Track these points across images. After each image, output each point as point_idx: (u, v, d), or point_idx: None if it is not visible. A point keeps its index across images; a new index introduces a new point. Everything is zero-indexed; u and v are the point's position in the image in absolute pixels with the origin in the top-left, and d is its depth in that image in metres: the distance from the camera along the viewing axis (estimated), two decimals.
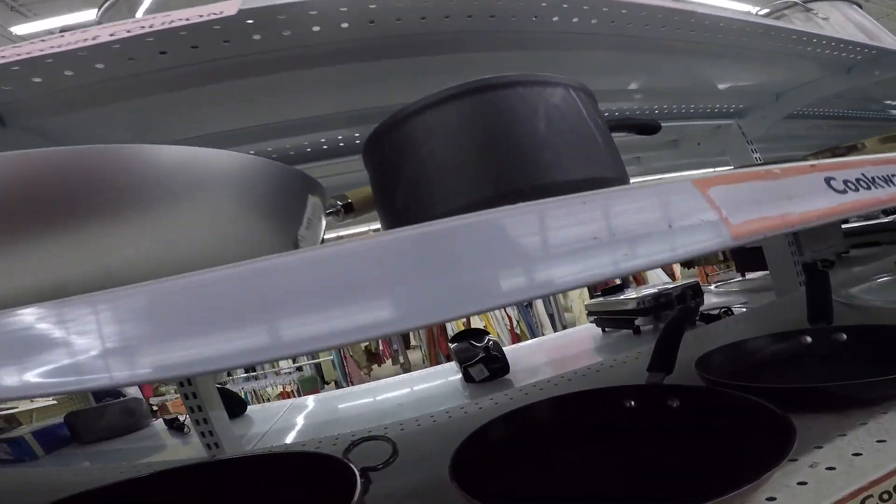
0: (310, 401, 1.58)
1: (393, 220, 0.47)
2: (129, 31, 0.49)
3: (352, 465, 0.53)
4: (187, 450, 1.22)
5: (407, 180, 0.44)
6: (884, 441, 0.50)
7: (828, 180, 0.34)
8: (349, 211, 0.62)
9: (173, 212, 0.36)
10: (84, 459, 1.30)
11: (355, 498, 0.47)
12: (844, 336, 0.78)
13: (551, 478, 0.61)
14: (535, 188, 0.38)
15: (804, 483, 0.47)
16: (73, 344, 0.24)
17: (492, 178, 0.39)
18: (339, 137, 0.91)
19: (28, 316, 0.24)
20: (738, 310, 1.40)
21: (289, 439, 1.13)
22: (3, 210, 0.30)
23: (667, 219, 0.24)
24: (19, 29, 4.16)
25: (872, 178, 0.37)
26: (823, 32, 0.92)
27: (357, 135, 0.92)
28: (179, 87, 0.65)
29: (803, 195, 0.31)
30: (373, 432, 0.93)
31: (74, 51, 0.50)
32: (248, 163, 0.40)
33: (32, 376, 0.24)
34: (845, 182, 0.35)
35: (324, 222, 0.56)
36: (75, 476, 0.99)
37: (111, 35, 0.49)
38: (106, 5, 0.71)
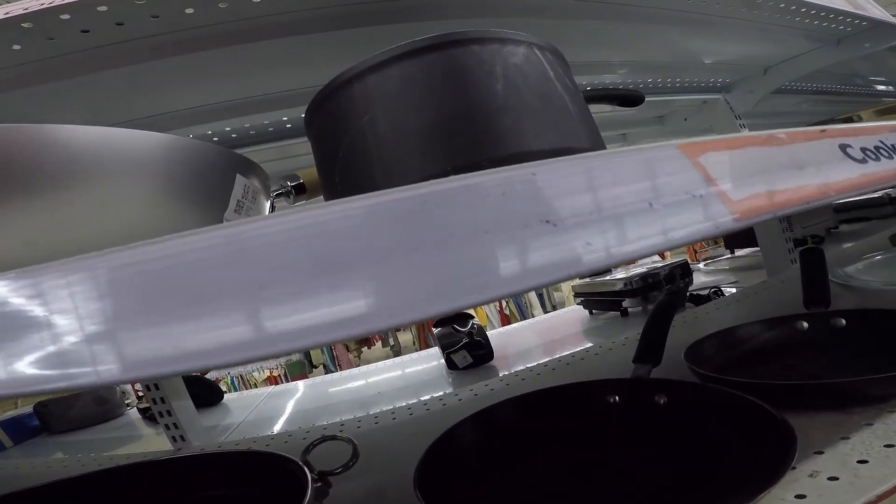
0: (289, 388, 1.53)
1: (333, 198, 0.40)
2: (42, 4, 0.43)
3: (306, 469, 0.50)
4: (158, 441, 1.16)
5: (346, 155, 0.37)
6: (892, 446, 0.44)
7: (843, 147, 0.27)
8: (301, 192, 0.56)
9: (77, 195, 0.33)
10: (53, 450, 1.24)
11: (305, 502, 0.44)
12: (843, 321, 0.72)
13: (525, 484, 0.55)
14: (492, 160, 0.31)
15: (803, 496, 0.41)
16: None
17: (441, 150, 0.32)
18: (285, 118, 0.84)
19: None
20: (728, 290, 1.35)
21: (261, 431, 1.07)
22: None
23: (646, 195, 0.18)
24: None
25: (893, 145, 0.31)
26: (816, 1, 0.84)
27: (303, 116, 0.84)
28: (103, 68, 0.59)
29: (818, 164, 0.25)
30: (344, 426, 0.88)
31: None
32: (158, 141, 0.37)
33: None
34: (864, 150, 0.28)
35: (266, 205, 0.50)
36: (32, 468, 0.93)
37: (25, 9, 0.45)
38: None
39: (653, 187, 0.18)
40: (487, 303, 0.14)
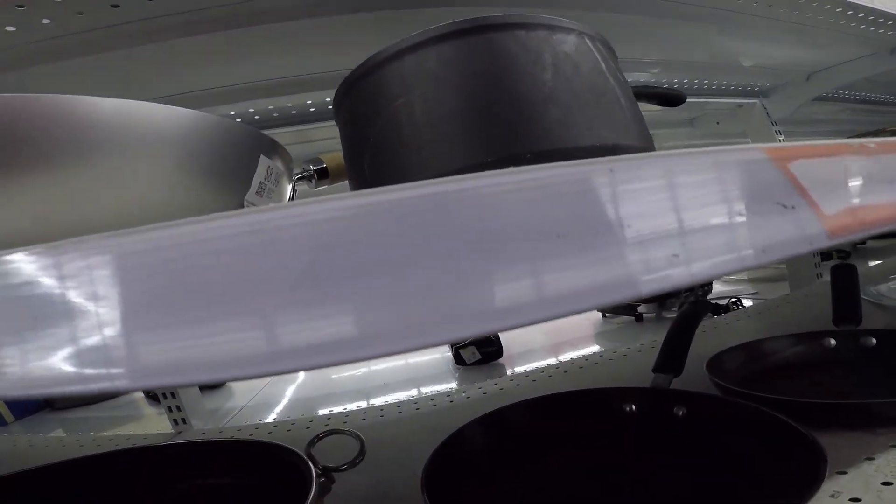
0: (293, 374, 1.52)
1: (360, 187, 0.38)
2: None
3: (311, 464, 0.48)
4: (159, 422, 1.16)
5: (377, 140, 0.35)
6: None
7: None
8: (323, 177, 0.54)
9: (95, 169, 0.32)
10: (54, 426, 1.24)
11: (309, 500, 0.42)
12: (874, 341, 0.70)
13: (535, 491, 0.54)
14: (536, 155, 0.29)
15: None
16: None
17: (482, 140, 0.30)
18: (328, 99, 0.82)
19: None
20: (748, 301, 1.32)
21: (264, 417, 1.06)
22: None
23: (733, 204, 0.16)
24: None
25: None
26: (869, 4, 0.81)
27: (328, 99, 0.83)
28: (130, 45, 0.59)
29: None
30: (349, 418, 0.86)
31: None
32: (181, 116, 0.36)
33: None
34: None
35: (288, 188, 0.48)
36: (30, 446, 0.92)
37: None
38: None
39: (740, 195, 0.16)
40: (558, 318, 0.12)
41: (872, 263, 1.43)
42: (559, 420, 0.63)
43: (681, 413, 0.58)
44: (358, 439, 0.55)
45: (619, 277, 0.13)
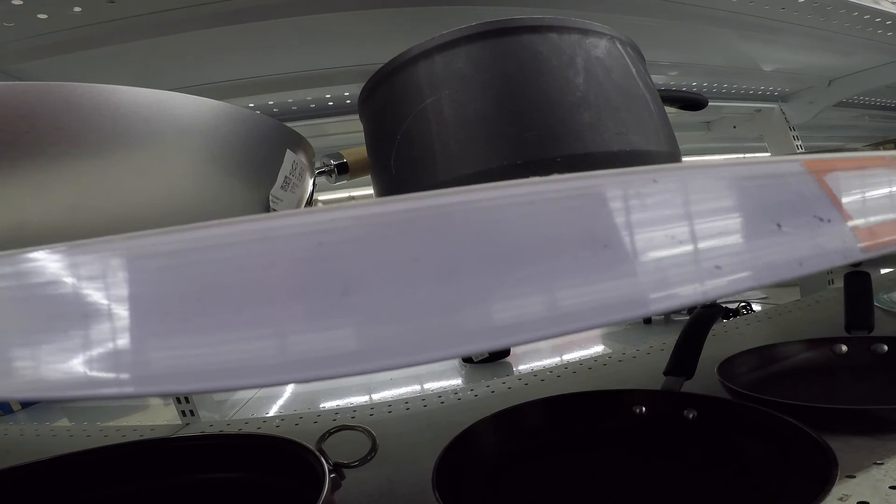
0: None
1: (385, 186, 0.39)
2: None
3: (323, 460, 0.48)
4: (165, 411, 1.17)
5: (404, 138, 0.35)
6: None
7: None
8: (343, 172, 0.55)
9: (126, 158, 0.32)
10: (59, 415, 1.26)
11: (322, 497, 0.42)
12: (885, 347, 0.71)
13: (546, 491, 0.54)
14: (566, 158, 0.29)
15: None
16: None
17: (513, 142, 0.30)
18: (346, 94, 0.83)
19: None
20: (757, 305, 1.32)
21: (272, 409, 1.07)
22: None
23: (774, 215, 0.16)
24: None
25: None
26: (892, 10, 0.81)
27: (346, 94, 0.83)
28: (164, 33, 0.60)
29: None
30: (357, 415, 0.87)
31: None
32: (211, 108, 0.36)
33: None
34: None
35: (310, 183, 0.49)
36: (37, 436, 0.93)
37: None
38: None
39: (780, 207, 0.17)
40: (600, 326, 0.13)
41: (884, 271, 1.42)
42: (569, 420, 0.63)
43: (691, 416, 0.59)
44: (369, 436, 0.56)
45: (662, 288, 0.14)
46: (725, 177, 0.16)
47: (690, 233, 0.15)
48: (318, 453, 0.50)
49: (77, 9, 0.53)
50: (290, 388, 1.26)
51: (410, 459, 0.63)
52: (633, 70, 0.34)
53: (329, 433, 0.58)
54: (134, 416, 1.25)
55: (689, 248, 0.15)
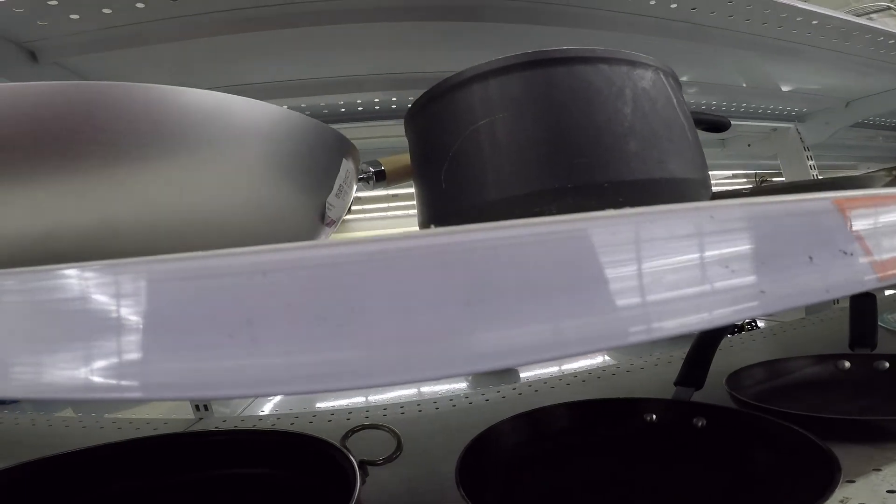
0: None
1: (433, 198, 0.42)
2: None
3: (351, 457, 0.50)
4: (174, 406, 1.20)
5: (457, 155, 0.39)
6: None
7: None
8: (381, 179, 0.58)
9: (194, 161, 0.33)
10: (61, 405, 1.28)
11: (356, 494, 0.43)
12: (887, 364, 0.75)
13: (561, 491, 0.58)
14: (613, 184, 0.33)
15: None
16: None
17: (564, 166, 0.34)
18: (376, 100, 0.87)
19: None
20: (761, 322, 1.37)
21: (282, 406, 1.11)
22: (12, 145, 0.28)
23: (808, 248, 0.20)
24: None
25: None
26: None
27: (394, 98, 0.87)
28: (221, 33, 0.64)
29: None
30: (371, 415, 0.91)
31: None
32: (280, 116, 0.37)
33: None
34: None
35: (354, 189, 0.52)
36: (50, 427, 0.96)
37: None
38: None
39: (813, 241, 0.20)
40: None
41: (889, 293, 1.47)
42: (585, 424, 0.67)
43: (700, 424, 0.63)
44: (394, 435, 0.59)
45: (727, 305, 0.18)
46: (772, 214, 0.20)
47: (743, 264, 0.19)
48: (345, 451, 0.52)
49: (140, 5, 0.57)
50: None
51: (426, 460, 0.66)
52: (675, 100, 0.37)
53: (352, 431, 0.61)
54: (137, 407, 1.27)
55: (743, 278, 0.19)
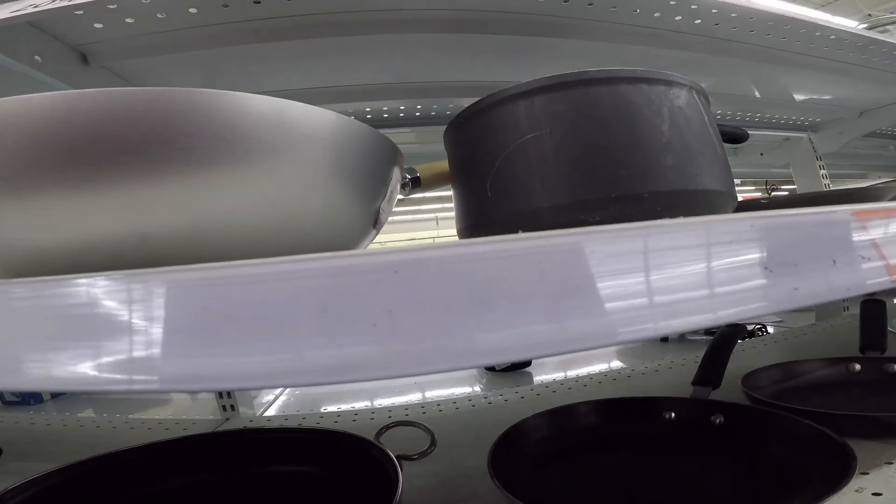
0: None
1: (478, 205, 0.46)
2: None
3: (390, 453, 0.53)
4: (195, 405, 1.24)
5: (504, 166, 0.43)
6: None
7: None
8: (416, 185, 0.62)
9: (263, 167, 0.35)
10: (88, 405, 1.32)
11: (399, 488, 0.46)
12: None
13: (586, 484, 0.61)
14: (653, 195, 0.38)
15: None
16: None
17: (609, 177, 0.38)
18: (401, 108, 0.91)
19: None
20: (772, 327, 1.41)
21: (302, 406, 1.15)
22: (94, 150, 0.30)
23: (833, 253, 0.24)
24: None
25: None
26: None
27: (419, 106, 0.92)
28: (262, 40, 0.67)
29: None
30: (394, 414, 0.94)
31: None
32: (346, 124, 0.39)
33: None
34: None
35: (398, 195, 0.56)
36: (81, 427, 1.00)
37: None
38: None
39: (836, 247, 0.25)
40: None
41: None
42: (605, 422, 0.71)
43: (718, 421, 0.67)
44: (428, 431, 0.62)
45: (765, 299, 0.22)
46: (802, 224, 0.25)
47: (780, 265, 0.23)
48: (381, 446, 0.55)
49: (193, 10, 0.59)
50: (318, 389, 1.33)
51: (454, 455, 0.69)
52: (706, 117, 0.42)
53: (386, 428, 0.64)
54: (157, 408, 1.31)
55: (780, 278, 0.23)
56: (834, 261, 0.25)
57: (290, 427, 0.68)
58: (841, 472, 0.47)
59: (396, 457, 0.52)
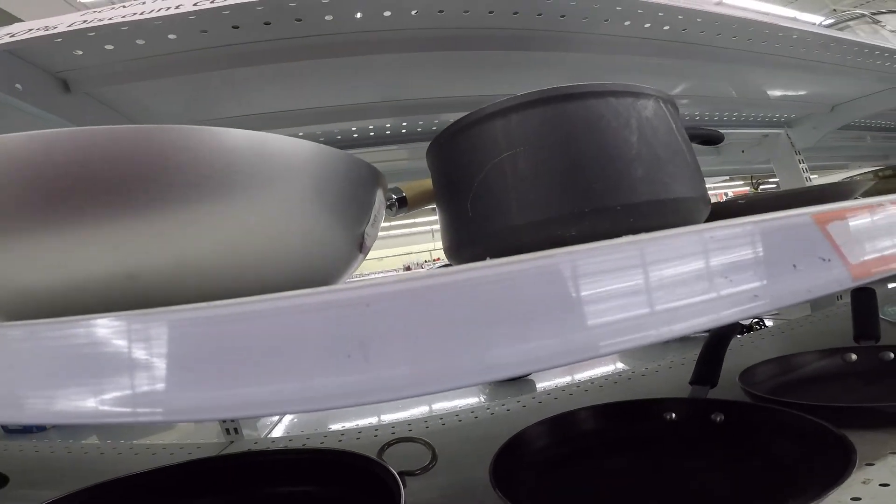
0: None
1: (460, 224, 0.47)
2: (212, 2, 0.50)
3: (392, 470, 0.54)
4: (200, 430, 1.24)
5: (482, 185, 0.44)
6: None
7: None
8: (402, 205, 0.63)
9: (246, 200, 0.35)
10: (91, 432, 1.33)
11: (402, 502, 0.47)
12: (892, 355, 0.79)
13: (590, 490, 0.61)
14: (625, 207, 0.38)
15: (858, 499, 0.48)
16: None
17: (581, 192, 0.39)
18: (387, 126, 0.92)
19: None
20: (769, 320, 1.41)
21: (306, 428, 1.15)
22: (70, 189, 0.30)
23: (792, 258, 0.25)
24: None
25: None
26: (889, 45, 0.91)
27: (404, 124, 0.93)
28: (242, 64, 0.67)
29: None
30: (397, 430, 0.95)
31: (152, 20, 0.51)
32: (325, 154, 0.40)
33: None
34: None
35: (383, 217, 0.56)
36: (85, 454, 1.00)
37: (194, 5, 0.51)
38: None
39: (796, 252, 0.25)
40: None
41: (892, 285, 1.51)
42: (609, 425, 0.72)
43: (718, 419, 0.67)
44: (429, 447, 0.62)
45: (728, 307, 0.23)
46: (761, 232, 0.26)
47: (738, 274, 0.24)
48: (383, 463, 0.55)
49: (172, 36, 0.59)
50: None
51: (457, 468, 0.70)
52: (674, 126, 0.43)
53: (388, 445, 0.65)
54: (160, 434, 1.32)
55: (738, 286, 0.24)
56: (794, 265, 0.25)
57: (292, 448, 0.69)
58: (842, 465, 0.47)
59: (399, 473, 0.53)
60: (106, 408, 0.24)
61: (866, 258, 0.28)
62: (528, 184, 0.41)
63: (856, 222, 0.29)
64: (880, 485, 0.50)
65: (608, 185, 0.39)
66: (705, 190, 0.44)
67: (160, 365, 0.24)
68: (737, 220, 0.25)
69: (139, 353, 0.24)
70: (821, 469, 0.50)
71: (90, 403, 0.24)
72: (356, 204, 0.45)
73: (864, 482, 0.50)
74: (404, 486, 0.50)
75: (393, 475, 0.52)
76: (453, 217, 0.49)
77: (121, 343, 0.24)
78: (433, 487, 0.64)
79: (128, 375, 0.24)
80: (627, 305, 0.22)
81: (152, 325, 0.24)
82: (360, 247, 0.49)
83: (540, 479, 0.63)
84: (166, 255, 0.33)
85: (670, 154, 0.41)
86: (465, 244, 0.47)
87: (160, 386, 0.23)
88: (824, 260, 0.26)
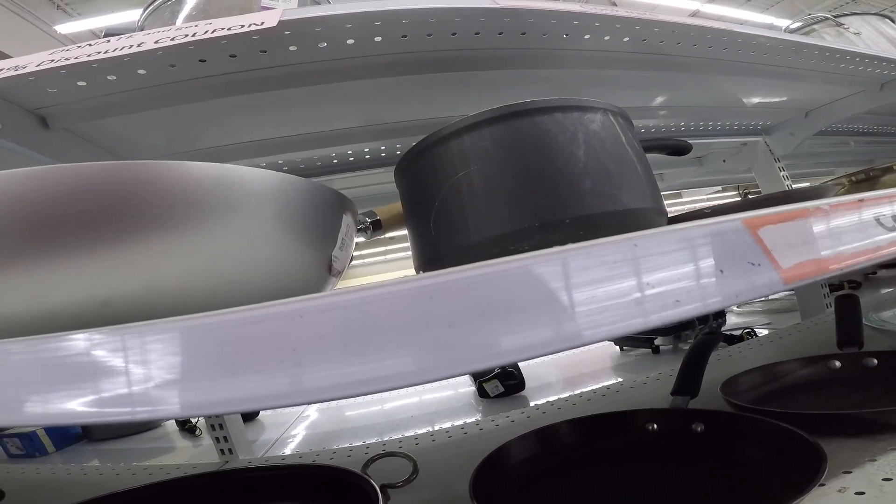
0: (322, 408, 1.59)
1: (425, 244, 0.47)
2: (172, 39, 0.51)
3: (373, 482, 0.54)
4: (199, 453, 1.24)
5: (441, 204, 0.44)
6: None
7: (877, 217, 0.34)
8: (377, 228, 0.63)
9: (212, 228, 0.36)
10: (94, 457, 1.33)
11: None
12: (875, 361, 0.78)
13: (571, 499, 0.61)
14: (574, 220, 0.38)
15: None
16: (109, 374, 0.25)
17: (531, 207, 0.39)
18: (366, 150, 0.93)
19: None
20: (761, 331, 1.40)
21: (301, 448, 1.14)
22: (45, 223, 0.32)
23: (719, 264, 0.25)
24: (64, 28, 4.27)
25: None
26: (855, 49, 0.91)
27: (383, 147, 0.93)
28: (214, 96, 0.67)
29: (854, 233, 0.31)
30: (387, 447, 0.94)
31: (119, 56, 0.52)
32: (285, 182, 0.41)
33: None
34: (894, 218, 0.35)
35: (355, 240, 0.57)
36: (85, 475, 1.00)
37: (156, 42, 0.51)
38: (148, 10, 0.73)
39: (723, 257, 0.25)
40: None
41: (884, 291, 1.50)
42: (589, 438, 0.71)
43: (699, 429, 0.66)
44: (410, 460, 0.62)
45: (641, 315, 0.23)
46: (686, 238, 0.25)
47: (664, 280, 0.24)
48: (366, 477, 0.56)
49: (141, 71, 0.59)
50: (316, 429, 1.33)
51: (442, 482, 0.70)
52: (623, 138, 0.43)
53: (372, 460, 0.65)
54: (163, 457, 1.32)
55: (659, 289, 0.24)
56: (721, 271, 0.25)
57: (278, 465, 0.69)
58: (813, 472, 0.46)
59: (381, 486, 0.54)
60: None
61: (801, 261, 0.27)
62: (482, 201, 0.41)
63: (790, 226, 0.28)
64: (856, 493, 0.48)
65: (556, 199, 0.39)
66: (660, 200, 0.44)
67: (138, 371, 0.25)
68: (666, 227, 0.25)
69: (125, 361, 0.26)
70: (795, 477, 0.49)
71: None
72: (321, 228, 0.46)
73: (840, 490, 0.49)
74: (387, 498, 0.52)
75: (374, 487, 0.53)
76: (419, 236, 0.49)
77: (102, 353, 0.26)
78: (417, 501, 0.64)
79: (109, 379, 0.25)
80: (543, 315, 0.22)
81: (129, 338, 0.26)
82: (330, 269, 0.49)
83: (521, 492, 0.62)
84: (138, 281, 0.35)
85: (619, 166, 0.41)
86: (431, 262, 0.48)
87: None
88: (753, 265, 0.26)
